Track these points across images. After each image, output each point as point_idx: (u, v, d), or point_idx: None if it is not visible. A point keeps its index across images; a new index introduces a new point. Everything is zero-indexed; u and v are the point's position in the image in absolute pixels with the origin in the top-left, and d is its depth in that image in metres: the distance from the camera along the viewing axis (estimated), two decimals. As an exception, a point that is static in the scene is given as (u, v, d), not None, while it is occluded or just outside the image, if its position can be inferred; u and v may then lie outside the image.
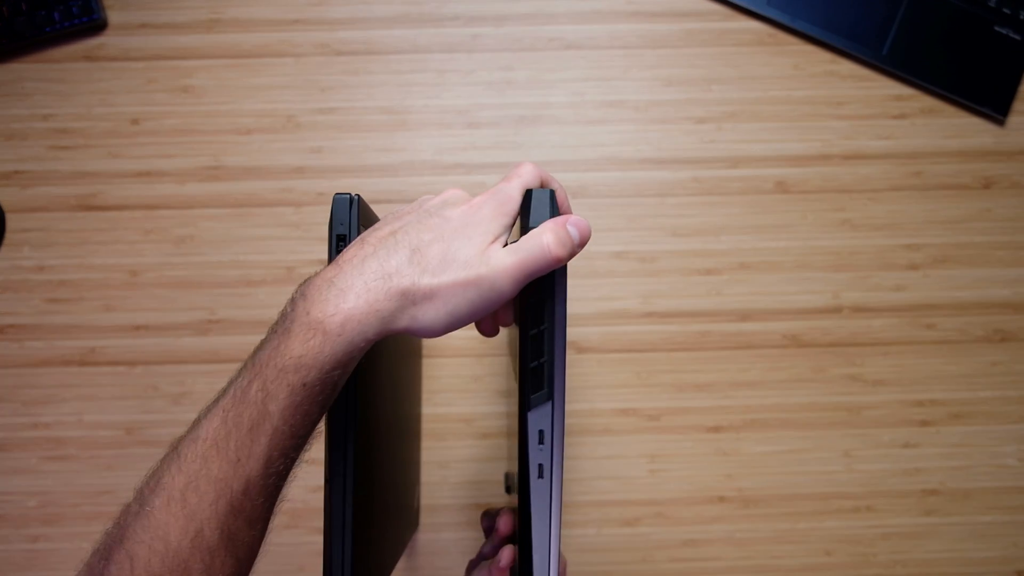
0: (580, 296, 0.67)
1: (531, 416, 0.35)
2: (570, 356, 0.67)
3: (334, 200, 0.39)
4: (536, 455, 0.35)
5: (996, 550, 0.66)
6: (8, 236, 0.67)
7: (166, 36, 0.69)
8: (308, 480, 0.65)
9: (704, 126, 0.69)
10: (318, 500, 0.65)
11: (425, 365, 0.67)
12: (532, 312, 0.35)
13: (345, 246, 0.37)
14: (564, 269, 0.35)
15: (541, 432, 0.35)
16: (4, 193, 0.67)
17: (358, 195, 0.39)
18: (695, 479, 0.66)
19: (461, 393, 0.66)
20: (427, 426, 0.66)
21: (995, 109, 0.69)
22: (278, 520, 0.67)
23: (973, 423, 0.67)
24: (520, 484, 0.35)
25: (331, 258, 0.38)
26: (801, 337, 0.67)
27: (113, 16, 0.69)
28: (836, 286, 0.68)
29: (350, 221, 0.38)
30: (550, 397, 0.35)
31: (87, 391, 0.66)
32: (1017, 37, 0.69)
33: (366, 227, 0.38)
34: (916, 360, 0.68)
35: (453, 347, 0.67)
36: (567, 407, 0.66)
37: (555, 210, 0.36)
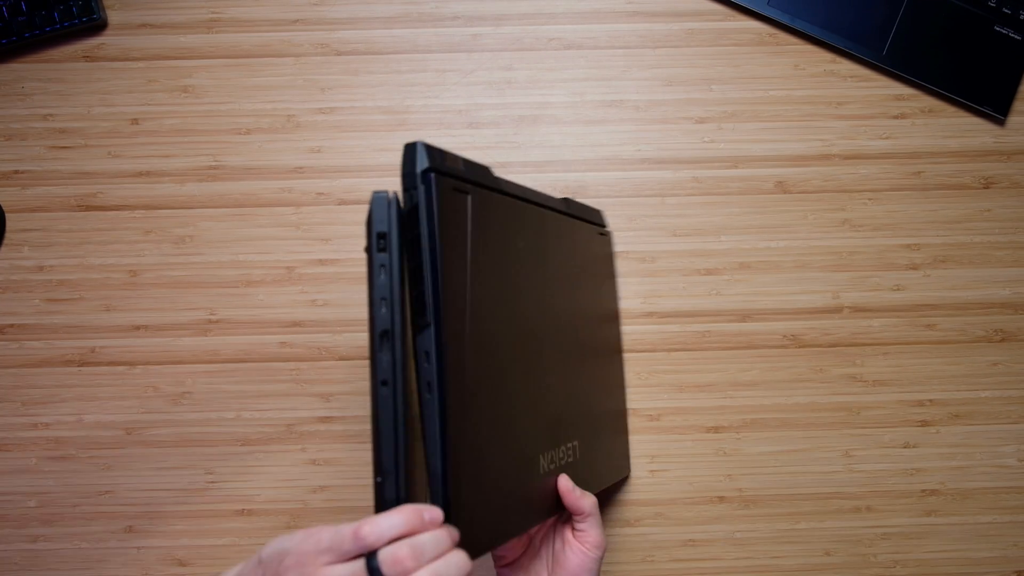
0: (580, 296, 0.67)
1: (419, 340, 0.39)
2: (570, 356, 0.67)
3: (373, 198, 0.40)
4: (425, 373, 0.39)
5: (996, 550, 0.66)
6: (8, 236, 0.67)
7: (166, 36, 0.69)
8: (309, 481, 0.65)
9: (704, 126, 0.69)
10: (318, 501, 0.65)
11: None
12: (408, 250, 0.39)
13: (385, 244, 0.39)
14: (430, 213, 0.39)
15: (427, 353, 0.39)
16: (4, 193, 0.67)
17: (395, 192, 0.40)
18: (695, 479, 0.66)
19: (461, 393, 0.66)
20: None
21: (995, 109, 0.69)
22: (278, 520, 0.67)
23: (973, 423, 0.67)
24: (419, 402, 0.39)
25: (371, 254, 0.39)
26: (801, 337, 0.67)
27: (113, 16, 0.69)
28: (836, 286, 0.68)
29: (390, 219, 0.40)
30: (429, 323, 0.39)
31: (87, 391, 0.66)
32: (1017, 37, 0.69)
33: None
34: (916, 360, 0.68)
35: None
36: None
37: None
